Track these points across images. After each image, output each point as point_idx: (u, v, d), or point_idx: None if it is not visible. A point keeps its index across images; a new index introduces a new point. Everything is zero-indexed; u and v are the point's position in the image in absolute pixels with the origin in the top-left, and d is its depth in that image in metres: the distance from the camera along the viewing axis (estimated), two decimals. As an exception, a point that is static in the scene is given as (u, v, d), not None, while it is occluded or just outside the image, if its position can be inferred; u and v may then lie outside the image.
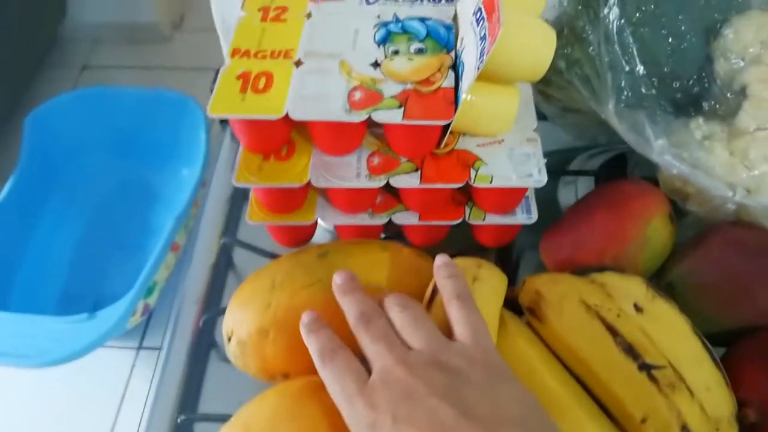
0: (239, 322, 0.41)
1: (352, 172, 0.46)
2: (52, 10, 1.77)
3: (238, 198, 0.61)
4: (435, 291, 0.38)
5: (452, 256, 0.53)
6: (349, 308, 0.37)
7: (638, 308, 0.39)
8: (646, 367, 0.34)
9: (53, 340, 1.11)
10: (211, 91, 0.54)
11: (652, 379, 0.34)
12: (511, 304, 0.42)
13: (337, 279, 0.39)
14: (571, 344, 0.37)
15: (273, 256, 0.55)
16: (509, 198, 0.47)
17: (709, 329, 0.41)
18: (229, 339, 0.42)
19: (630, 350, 0.34)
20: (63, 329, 1.12)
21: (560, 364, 0.38)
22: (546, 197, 0.45)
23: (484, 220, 0.48)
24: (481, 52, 0.40)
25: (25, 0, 1.62)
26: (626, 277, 0.41)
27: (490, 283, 0.39)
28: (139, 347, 1.35)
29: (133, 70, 1.82)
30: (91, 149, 1.46)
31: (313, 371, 0.41)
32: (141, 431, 0.48)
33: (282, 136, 0.46)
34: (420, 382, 0.32)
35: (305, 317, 0.38)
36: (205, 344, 0.52)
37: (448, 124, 0.43)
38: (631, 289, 0.40)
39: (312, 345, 0.37)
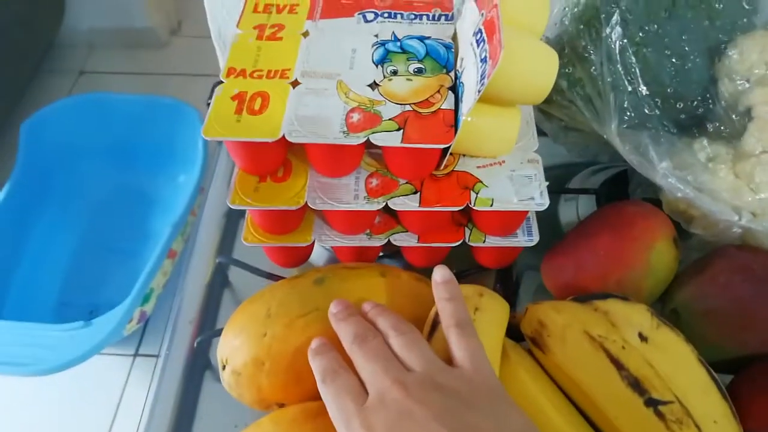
0: (233, 351, 0.41)
1: (350, 194, 0.45)
2: (49, 16, 1.76)
3: (234, 214, 0.61)
4: (436, 322, 0.37)
5: (456, 278, 0.53)
6: (344, 332, 0.36)
7: (643, 337, 0.38)
8: (652, 403, 0.33)
9: (50, 348, 1.10)
10: (208, 105, 0.53)
11: (659, 415, 0.33)
12: (512, 328, 0.41)
13: (333, 308, 0.38)
14: (575, 377, 0.36)
15: (270, 275, 0.54)
16: (510, 221, 0.46)
17: (714, 357, 0.40)
18: (224, 368, 0.41)
19: (636, 385, 0.33)
20: (59, 337, 1.11)
21: (563, 396, 0.37)
22: (546, 214, 0.44)
23: (484, 242, 0.47)
24: (481, 75, 0.39)
25: (22, 5, 1.61)
26: (630, 305, 0.40)
27: (492, 313, 0.38)
28: (136, 354, 1.34)
29: (131, 75, 1.81)
30: (87, 155, 1.46)
31: (310, 400, 0.40)
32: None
33: (278, 158, 0.45)
34: (418, 404, 0.31)
35: (314, 342, 0.38)
36: (199, 366, 0.51)
37: (448, 147, 0.42)
38: (635, 317, 0.39)
39: (316, 366, 0.36)
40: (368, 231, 0.48)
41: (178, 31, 1.92)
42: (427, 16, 0.49)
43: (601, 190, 0.58)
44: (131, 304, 1.14)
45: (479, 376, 0.33)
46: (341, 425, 0.33)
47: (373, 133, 0.41)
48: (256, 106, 0.43)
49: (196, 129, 1.36)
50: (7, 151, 1.40)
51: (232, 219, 0.60)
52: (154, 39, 1.84)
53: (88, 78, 1.82)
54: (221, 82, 0.45)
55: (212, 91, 0.61)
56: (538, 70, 0.40)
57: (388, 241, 0.48)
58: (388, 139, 0.41)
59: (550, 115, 0.53)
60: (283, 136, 0.41)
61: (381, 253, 0.54)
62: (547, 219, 0.47)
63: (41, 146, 1.40)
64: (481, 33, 0.40)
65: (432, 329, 0.37)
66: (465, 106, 0.41)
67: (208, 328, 0.54)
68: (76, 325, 1.11)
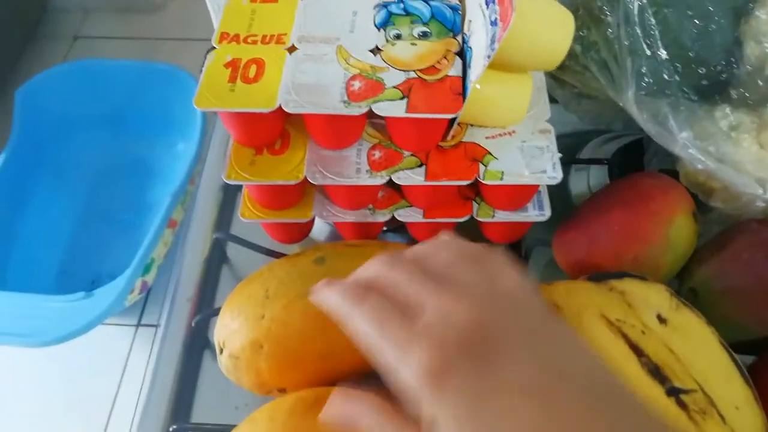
0: (231, 334, 0.39)
1: (351, 167, 0.42)
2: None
3: (232, 187, 0.58)
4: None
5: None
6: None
7: (662, 319, 0.36)
8: (674, 392, 0.31)
9: (51, 319, 1.10)
10: (201, 72, 0.51)
11: (681, 404, 0.31)
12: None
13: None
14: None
15: (269, 252, 0.52)
16: (521, 194, 0.44)
17: (735, 337, 0.38)
18: (221, 351, 0.39)
19: (657, 372, 0.32)
20: (61, 308, 1.11)
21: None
22: (555, 185, 0.42)
23: (493, 217, 0.45)
24: (491, 39, 0.36)
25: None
26: (648, 285, 0.38)
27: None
28: (138, 324, 1.34)
29: (126, 40, 1.77)
30: (84, 123, 1.44)
31: (310, 386, 0.39)
32: (131, 441, 0.46)
33: (275, 129, 0.43)
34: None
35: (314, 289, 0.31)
36: (198, 345, 0.50)
37: (456, 117, 0.39)
38: (653, 297, 0.37)
39: (332, 297, 0.29)
40: (371, 206, 0.46)
41: (173, -5, 1.87)
42: (433, -25, 0.46)
43: (613, 159, 0.56)
44: (132, 275, 1.13)
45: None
46: (392, 351, 0.25)
47: (375, 102, 0.39)
48: (251, 74, 0.40)
49: (193, 95, 1.32)
50: (3, 119, 1.38)
51: (230, 192, 0.58)
52: (148, 3, 1.79)
53: (82, 43, 1.77)
54: (214, 48, 0.42)
55: (205, 57, 0.59)
56: (553, 34, 0.37)
57: (392, 216, 0.46)
58: (392, 108, 0.39)
59: (563, 81, 0.50)
60: (280, 107, 0.38)
61: (384, 228, 0.52)
62: (557, 190, 0.45)
63: (37, 114, 1.38)
64: None
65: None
66: (473, 73, 0.38)
67: (206, 305, 0.52)
68: (78, 296, 1.11)
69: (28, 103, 1.36)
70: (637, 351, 0.32)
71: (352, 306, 0.28)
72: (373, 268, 0.30)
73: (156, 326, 1.33)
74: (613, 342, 0.33)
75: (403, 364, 0.25)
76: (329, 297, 0.30)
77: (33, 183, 1.39)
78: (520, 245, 0.52)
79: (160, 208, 1.21)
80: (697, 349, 0.35)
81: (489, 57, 0.36)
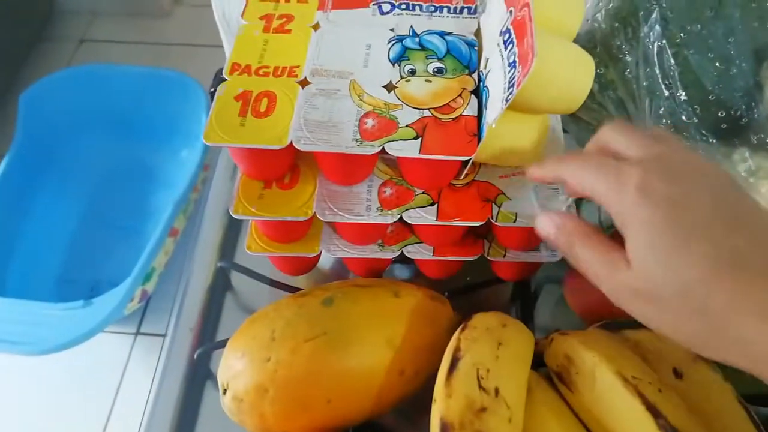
0: (235, 375, 0.38)
1: (361, 204, 0.42)
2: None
3: (238, 214, 0.57)
4: (456, 358, 0.34)
5: (467, 290, 0.50)
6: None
7: (678, 373, 0.35)
8: (690, 456, 0.30)
9: (50, 327, 1.10)
10: (210, 94, 0.50)
11: (698, 469, 0.30)
12: (535, 354, 0.38)
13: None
14: (605, 422, 0.33)
15: (273, 282, 0.51)
16: (533, 236, 0.42)
17: (752, 389, 0.37)
18: (224, 392, 0.39)
19: (673, 435, 0.31)
20: (60, 316, 1.11)
21: (591, 439, 0.35)
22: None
23: (504, 257, 0.44)
24: (510, 83, 0.35)
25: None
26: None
27: (517, 347, 0.35)
28: (137, 333, 1.33)
29: (132, 45, 1.76)
30: (88, 128, 1.43)
31: (315, 431, 0.38)
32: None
33: (285, 164, 0.42)
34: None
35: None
36: (199, 378, 0.49)
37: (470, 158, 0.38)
38: (669, 350, 0.36)
39: (559, 165, 0.33)
40: (380, 241, 0.45)
41: (181, 0, 1.86)
42: (448, 8, 0.45)
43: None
44: (132, 284, 1.12)
45: None
46: (605, 174, 0.29)
47: (388, 141, 0.38)
48: (262, 108, 0.40)
49: (199, 103, 1.32)
50: (7, 122, 1.37)
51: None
52: (157, 7, 1.79)
53: (88, 47, 1.77)
54: (224, 79, 0.42)
55: (214, 78, 0.58)
56: (574, 78, 0.36)
57: (401, 252, 0.45)
58: (405, 148, 0.38)
59: (578, 118, 0.49)
60: (291, 143, 0.38)
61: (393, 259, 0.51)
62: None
63: (41, 118, 1.37)
64: (510, 33, 0.37)
65: (452, 367, 0.34)
66: (490, 115, 0.37)
67: (209, 335, 0.51)
68: (77, 305, 1.11)
69: (32, 107, 1.35)
70: (655, 412, 0.31)
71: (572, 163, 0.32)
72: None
73: (156, 335, 1.32)
74: (629, 402, 0.32)
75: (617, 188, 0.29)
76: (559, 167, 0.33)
77: (35, 188, 1.38)
78: (530, 282, 0.51)
79: (161, 215, 1.21)
80: (714, 407, 0.34)
81: (507, 101, 0.35)
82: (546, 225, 0.33)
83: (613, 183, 0.29)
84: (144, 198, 1.43)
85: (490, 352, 0.34)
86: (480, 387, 0.32)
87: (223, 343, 0.43)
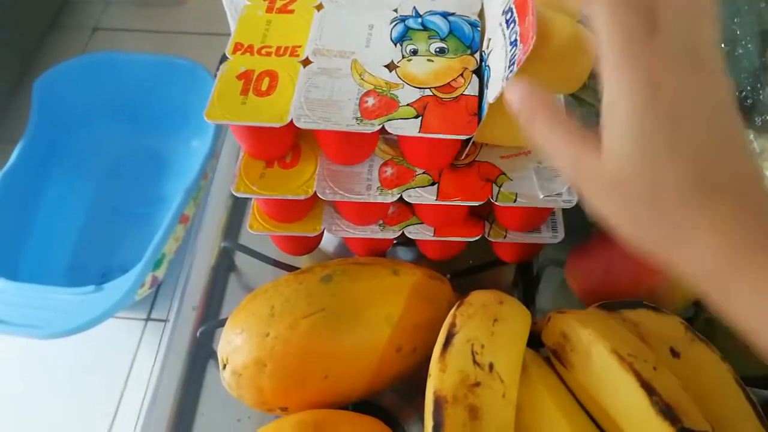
0: (234, 350, 0.38)
1: (362, 184, 0.42)
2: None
3: (242, 196, 0.58)
4: (451, 334, 0.34)
5: (469, 273, 0.50)
6: None
7: (675, 353, 0.35)
8: (684, 433, 0.30)
9: (62, 311, 1.11)
10: (215, 76, 0.50)
11: (692, 446, 0.30)
12: (532, 334, 0.38)
13: None
14: (600, 399, 0.33)
15: (276, 262, 0.51)
16: (534, 216, 0.43)
17: (751, 371, 0.37)
18: (224, 367, 0.39)
19: (668, 412, 0.30)
20: (72, 301, 1.12)
21: (587, 417, 0.34)
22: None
23: (505, 238, 0.44)
24: (510, 61, 0.35)
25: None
26: (662, 317, 0.37)
27: (513, 324, 0.35)
28: (148, 318, 1.34)
29: (145, 33, 1.77)
30: (100, 115, 1.44)
31: (312, 405, 0.38)
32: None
33: (286, 143, 0.42)
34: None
35: None
36: (202, 356, 0.49)
37: (470, 137, 0.38)
38: (667, 330, 0.36)
39: None
40: (381, 222, 0.45)
41: (194, -11, 1.87)
42: (452, -12, 0.45)
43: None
44: (143, 269, 1.13)
45: None
46: (619, 41, 0.26)
47: (388, 120, 0.38)
48: (264, 87, 0.40)
49: (210, 91, 1.32)
50: (22, 109, 1.39)
51: (240, 199, 0.57)
52: (170, -4, 1.80)
53: (102, 34, 1.78)
54: (227, 58, 0.42)
55: (219, 63, 0.58)
56: (574, 57, 0.36)
57: (402, 233, 0.45)
58: (405, 127, 0.38)
59: (582, 100, 0.49)
60: (292, 121, 0.38)
61: (394, 241, 0.51)
62: (571, 208, 0.44)
63: (54, 105, 1.38)
64: (512, 12, 0.36)
65: (446, 342, 0.34)
66: (491, 94, 0.37)
67: (212, 315, 0.51)
68: (89, 289, 1.12)
69: (46, 95, 1.36)
70: (649, 389, 0.31)
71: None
72: None
73: (165, 321, 1.33)
74: (624, 379, 0.32)
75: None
76: None
77: (48, 175, 1.40)
78: (532, 265, 0.51)
79: (172, 202, 1.21)
80: (711, 386, 0.34)
81: (507, 79, 0.35)
82: (511, 93, 0.31)
83: (625, 60, 0.26)
84: (155, 186, 1.44)
85: (485, 328, 0.34)
86: (474, 362, 0.32)
87: (225, 322, 0.43)
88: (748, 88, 0.43)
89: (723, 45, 0.42)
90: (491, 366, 0.32)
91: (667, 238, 0.26)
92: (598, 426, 0.34)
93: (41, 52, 1.68)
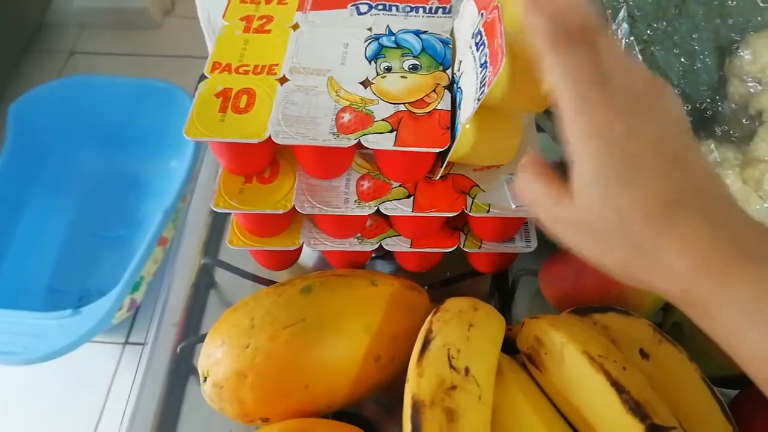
0: (215, 363, 0.39)
1: (339, 197, 0.43)
2: (39, -6, 1.72)
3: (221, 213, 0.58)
4: (428, 340, 0.35)
5: (446, 284, 0.51)
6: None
7: (644, 354, 0.37)
8: (654, 429, 0.31)
9: (38, 336, 1.09)
10: (193, 96, 0.51)
11: (661, 442, 0.31)
12: (507, 340, 0.39)
13: None
14: (573, 399, 0.34)
15: (256, 278, 0.52)
16: (507, 227, 0.44)
17: (718, 372, 0.38)
18: (205, 380, 0.39)
19: (637, 409, 0.32)
20: (48, 325, 1.11)
21: (561, 418, 0.35)
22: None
23: (479, 248, 0.45)
24: (481, 82, 0.36)
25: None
26: (631, 319, 0.38)
27: (488, 329, 0.36)
28: (126, 342, 1.33)
29: (122, 57, 1.78)
30: (77, 138, 1.44)
31: (293, 416, 0.39)
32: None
33: (265, 159, 0.43)
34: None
35: None
36: (182, 372, 0.49)
37: (444, 150, 0.39)
38: (636, 332, 0.37)
39: (540, 23, 0.31)
40: (359, 235, 0.46)
41: (171, 12, 1.88)
42: (424, 8, 0.47)
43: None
44: (121, 292, 1.12)
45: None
46: (575, 96, 0.29)
47: (364, 134, 0.39)
48: (242, 104, 0.41)
49: (188, 114, 1.33)
50: (-3, 133, 1.38)
51: (220, 215, 0.58)
52: (147, 19, 1.80)
53: (78, 59, 1.78)
54: (205, 77, 0.43)
55: (198, 82, 0.59)
56: (541, 78, 0.37)
57: (380, 245, 0.46)
58: (381, 141, 0.39)
59: (553, 115, 0.50)
60: (270, 137, 0.39)
61: (373, 255, 0.52)
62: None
63: (30, 129, 1.38)
64: (481, 35, 0.38)
65: (423, 348, 0.35)
66: (463, 115, 0.38)
67: (192, 331, 0.52)
68: (66, 314, 1.10)
69: (21, 118, 1.36)
70: (619, 387, 0.32)
71: (551, 51, 0.30)
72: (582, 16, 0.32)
73: (144, 344, 1.32)
74: (595, 378, 0.33)
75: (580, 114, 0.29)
76: (533, 19, 0.31)
77: (24, 198, 1.39)
78: (507, 275, 0.52)
79: (150, 224, 1.21)
80: (679, 385, 0.35)
81: (479, 100, 0.36)
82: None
83: (579, 108, 0.29)
84: (133, 208, 1.44)
85: (461, 334, 0.35)
86: (451, 366, 0.33)
87: (205, 337, 0.44)
88: (708, 100, 0.45)
89: (683, 59, 0.44)
90: (467, 370, 0.33)
91: (642, 262, 0.28)
92: (572, 427, 0.35)
93: (16, 77, 1.67)
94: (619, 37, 0.44)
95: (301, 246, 0.46)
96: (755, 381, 0.28)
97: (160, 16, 1.84)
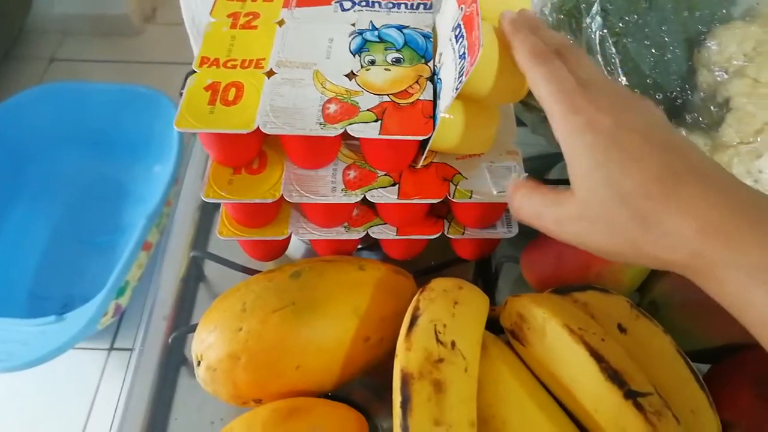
0: (208, 346, 0.40)
1: (327, 186, 0.44)
2: (18, 1, 1.71)
3: (209, 207, 0.59)
4: (415, 317, 0.36)
5: (431, 271, 0.52)
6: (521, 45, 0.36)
7: (622, 329, 0.38)
8: (632, 395, 0.33)
9: (21, 343, 1.08)
10: (181, 95, 0.52)
11: (638, 407, 0.32)
12: (491, 321, 0.41)
13: (508, 15, 0.38)
14: (555, 370, 0.35)
15: (245, 269, 0.53)
16: (489, 212, 0.46)
17: (693, 347, 0.40)
18: (198, 363, 0.40)
19: (615, 377, 0.33)
20: (32, 332, 1.10)
21: (544, 390, 0.37)
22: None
23: (463, 234, 0.47)
24: (459, 72, 0.38)
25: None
26: (609, 297, 0.40)
27: (472, 306, 0.38)
28: (111, 348, 1.32)
29: (103, 63, 1.77)
30: (59, 145, 1.43)
31: (285, 396, 0.40)
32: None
33: (253, 150, 0.44)
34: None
35: (507, 14, 0.38)
36: (174, 362, 0.50)
37: (427, 139, 0.41)
38: (614, 308, 0.39)
39: (520, 41, 0.35)
40: (346, 224, 0.47)
41: (152, 18, 1.88)
42: (406, 5, 0.49)
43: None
44: (106, 298, 1.12)
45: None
46: (560, 99, 0.32)
47: (350, 124, 0.40)
48: (230, 97, 0.42)
49: (171, 118, 1.32)
50: (-23, 140, 1.37)
51: (207, 212, 0.59)
52: (127, 26, 1.80)
53: (59, 65, 1.77)
54: (194, 71, 0.44)
55: (185, 80, 0.60)
56: (517, 70, 0.39)
57: (366, 233, 0.47)
58: (366, 130, 0.40)
59: (531, 105, 0.52)
60: (258, 128, 0.40)
61: (359, 246, 0.53)
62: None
63: (12, 135, 1.37)
64: (460, 28, 0.40)
65: (411, 324, 0.36)
66: (442, 104, 0.40)
67: (183, 323, 0.53)
68: (49, 320, 1.10)
69: (3, 125, 1.35)
70: (598, 357, 0.34)
71: (535, 66, 0.34)
72: (558, 39, 0.37)
73: (130, 350, 1.32)
74: (574, 349, 0.34)
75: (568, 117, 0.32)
76: (516, 40, 0.36)
77: (6, 204, 1.38)
78: (490, 262, 0.54)
79: (134, 230, 1.21)
80: (655, 356, 0.37)
81: (457, 89, 0.37)
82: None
83: (568, 109, 0.32)
84: (117, 214, 1.43)
85: (446, 310, 0.36)
86: (437, 340, 0.35)
87: (196, 327, 0.45)
88: (678, 89, 0.47)
89: (654, 51, 0.46)
90: (453, 344, 0.35)
91: (649, 236, 0.29)
92: (554, 397, 0.37)
93: (-4, 83, 1.67)
94: (593, 30, 0.46)
95: (290, 236, 0.47)
96: (763, 344, 0.28)
97: (140, 22, 1.84)
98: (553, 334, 0.36)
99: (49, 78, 1.73)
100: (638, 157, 0.29)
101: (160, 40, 1.80)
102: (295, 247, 0.55)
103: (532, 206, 0.35)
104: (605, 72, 0.45)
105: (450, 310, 0.36)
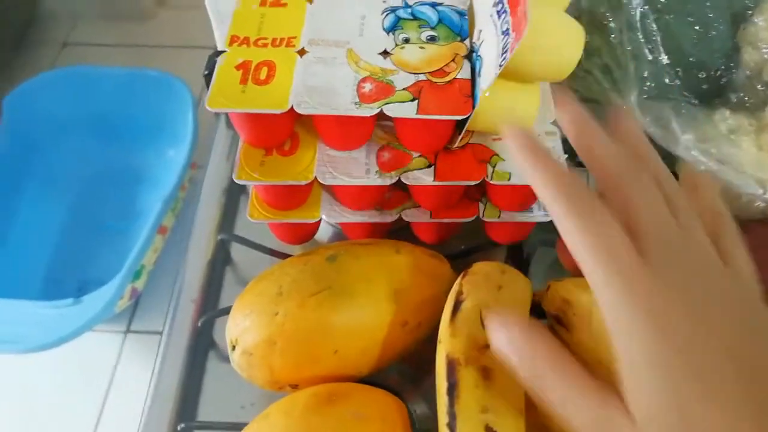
0: (244, 330, 0.39)
1: (360, 168, 0.43)
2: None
3: (235, 191, 0.59)
4: (459, 301, 0.35)
5: (462, 255, 0.51)
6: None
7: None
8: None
9: (39, 325, 1.09)
10: (205, 77, 0.51)
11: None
12: (532, 306, 0.40)
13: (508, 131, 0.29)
14: (601, 356, 0.34)
15: (273, 252, 0.52)
16: (526, 195, 0.45)
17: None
18: (233, 348, 0.40)
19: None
20: (49, 314, 1.11)
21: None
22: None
23: (499, 217, 0.46)
24: (503, 49, 0.37)
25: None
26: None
27: (516, 291, 0.37)
28: (127, 331, 1.33)
29: (116, 48, 1.76)
30: (73, 129, 1.43)
31: (323, 381, 0.39)
32: (138, 440, 0.46)
33: (285, 130, 0.43)
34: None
35: (516, 137, 0.29)
36: (203, 346, 0.50)
37: (465, 119, 0.40)
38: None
39: (549, 179, 0.27)
40: (378, 206, 0.46)
41: (165, 2, 1.86)
42: (439, -19, 0.47)
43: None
44: (122, 281, 1.13)
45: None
46: (615, 284, 0.25)
47: (386, 103, 0.39)
48: (262, 76, 0.41)
49: (185, 102, 1.33)
50: (-8, 125, 1.37)
51: (233, 195, 0.58)
52: (139, 10, 1.79)
53: (71, 50, 1.77)
54: (220, 52, 0.43)
55: (208, 62, 0.59)
56: (564, 46, 0.37)
57: (399, 216, 0.46)
58: (403, 110, 0.39)
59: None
60: (291, 108, 0.39)
61: (391, 228, 0.52)
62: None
63: (26, 120, 1.37)
64: (503, 4, 0.38)
65: (455, 309, 0.35)
66: (484, 82, 0.39)
67: (210, 307, 0.52)
68: (67, 302, 1.10)
69: (17, 110, 1.35)
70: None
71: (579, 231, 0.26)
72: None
73: (147, 333, 1.32)
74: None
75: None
76: (537, 173, 0.27)
77: (21, 189, 1.38)
78: (522, 247, 0.53)
79: (149, 214, 1.21)
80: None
81: (501, 66, 0.36)
82: (498, 339, 0.29)
83: (618, 288, 0.24)
84: (131, 199, 1.44)
85: (490, 295, 0.35)
86: (482, 326, 0.34)
87: (226, 311, 0.44)
88: (722, 67, 0.45)
89: (697, 28, 0.44)
90: (499, 329, 0.34)
91: None
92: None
93: (10, 69, 1.66)
94: (634, 6, 0.44)
95: (320, 220, 0.47)
96: None
97: (153, 6, 1.82)
98: (600, 320, 0.35)
99: (62, 63, 1.73)
100: (724, 397, 0.22)
101: (173, 24, 1.79)
102: (323, 231, 0.54)
103: (565, 402, 0.26)
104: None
105: (494, 294, 0.35)
